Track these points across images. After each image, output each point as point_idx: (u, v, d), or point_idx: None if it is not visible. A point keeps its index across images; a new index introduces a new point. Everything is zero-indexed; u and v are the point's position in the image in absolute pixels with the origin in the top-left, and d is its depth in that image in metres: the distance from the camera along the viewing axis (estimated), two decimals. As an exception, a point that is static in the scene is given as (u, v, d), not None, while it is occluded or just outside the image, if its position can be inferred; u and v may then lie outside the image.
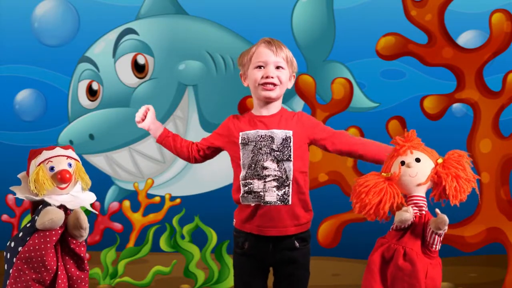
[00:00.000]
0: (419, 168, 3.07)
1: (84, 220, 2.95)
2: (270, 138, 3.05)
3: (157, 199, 5.00)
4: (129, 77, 5.63)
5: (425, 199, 3.07)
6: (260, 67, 3.08)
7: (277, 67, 3.09)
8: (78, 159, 3.06)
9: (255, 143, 3.05)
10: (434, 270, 3.03)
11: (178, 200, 4.98)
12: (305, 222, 3.12)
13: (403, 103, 5.50)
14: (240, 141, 3.07)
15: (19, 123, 5.83)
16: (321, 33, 5.59)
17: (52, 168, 2.98)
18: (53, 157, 3.01)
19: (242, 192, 3.06)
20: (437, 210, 2.98)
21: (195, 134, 5.63)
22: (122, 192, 5.70)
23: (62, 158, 3.01)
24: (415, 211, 3.03)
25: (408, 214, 2.98)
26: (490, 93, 4.41)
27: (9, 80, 5.83)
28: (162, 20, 5.74)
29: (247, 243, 3.08)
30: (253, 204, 3.05)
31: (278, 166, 3.04)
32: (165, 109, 5.62)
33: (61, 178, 2.96)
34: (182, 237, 4.80)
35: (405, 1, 4.43)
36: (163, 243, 4.80)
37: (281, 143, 3.05)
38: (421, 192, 3.07)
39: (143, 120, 3.25)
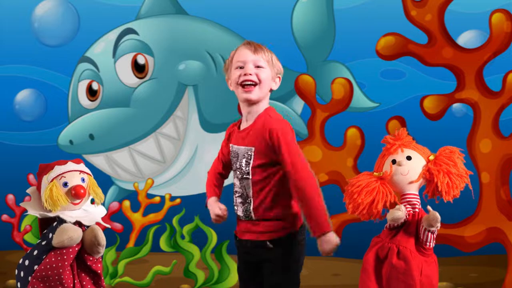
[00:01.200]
0: (410, 166, 3.07)
1: (102, 237, 2.92)
2: (236, 155, 3.05)
3: (157, 199, 5.00)
4: (129, 77, 5.63)
5: (418, 197, 3.07)
6: (240, 67, 3.05)
7: (257, 66, 3.03)
8: (90, 173, 3.04)
9: (232, 159, 3.09)
10: (429, 268, 3.03)
11: (178, 200, 4.98)
12: (278, 229, 3.02)
13: (403, 103, 5.50)
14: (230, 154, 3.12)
15: (19, 123, 5.83)
16: (321, 33, 5.59)
17: (65, 184, 2.95)
18: (66, 172, 2.97)
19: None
20: (429, 207, 2.99)
21: (195, 134, 5.64)
22: (122, 192, 5.70)
23: (75, 173, 2.98)
24: (408, 209, 3.03)
25: (400, 212, 2.98)
26: (490, 93, 4.41)
27: (9, 80, 5.83)
28: (162, 20, 5.74)
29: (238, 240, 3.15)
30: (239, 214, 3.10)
31: (240, 183, 3.04)
32: (165, 109, 5.62)
33: (75, 194, 2.93)
34: (182, 237, 4.80)
35: (405, 1, 4.43)
36: (163, 243, 4.80)
37: (245, 161, 3.02)
38: (413, 190, 3.07)
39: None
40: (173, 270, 4.81)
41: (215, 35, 5.69)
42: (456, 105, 5.16)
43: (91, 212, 3.00)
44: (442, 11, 4.41)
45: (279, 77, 3.11)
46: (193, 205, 5.09)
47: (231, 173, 3.13)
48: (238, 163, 3.03)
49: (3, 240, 4.99)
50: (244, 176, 3.02)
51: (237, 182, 3.05)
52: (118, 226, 4.73)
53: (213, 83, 5.65)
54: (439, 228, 3.00)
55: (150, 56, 5.62)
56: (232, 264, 4.73)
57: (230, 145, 3.09)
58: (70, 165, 2.99)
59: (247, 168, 3.01)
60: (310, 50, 5.56)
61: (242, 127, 3.08)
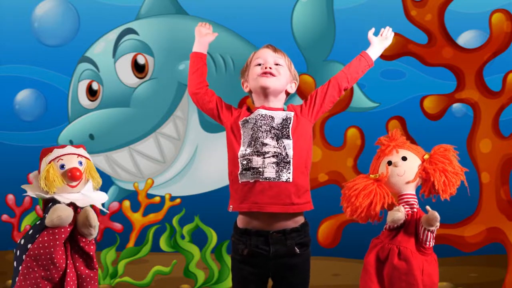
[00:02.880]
0: (406, 166, 3.07)
1: (94, 218, 2.96)
2: (271, 118, 3.07)
3: (157, 199, 5.00)
4: (129, 77, 5.63)
5: (415, 197, 3.08)
6: (259, 64, 3.13)
7: (276, 64, 3.12)
8: (90, 157, 3.07)
9: (255, 121, 3.07)
10: (430, 267, 3.03)
11: (178, 200, 4.98)
12: (304, 202, 3.06)
13: (403, 103, 5.49)
14: (240, 121, 3.10)
15: (19, 123, 5.83)
16: (321, 33, 5.59)
17: (62, 166, 3.00)
18: (64, 155, 3.03)
19: (240, 169, 3.04)
20: (428, 207, 2.99)
21: (195, 134, 5.63)
22: (122, 192, 5.70)
23: (73, 156, 3.03)
24: (407, 209, 3.03)
25: (400, 213, 2.98)
26: (490, 93, 4.41)
27: (9, 80, 5.83)
28: (162, 20, 5.74)
29: (247, 250, 3.06)
30: (252, 181, 3.02)
31: (277, 143, 3.04)
32: (165, 109, 5.62)
33: (71, 176, 2.97)
34: (182, 237, 4.80)
35: (405, 1, 4.44)
36: (163, 243, 4.80)
37: (281, 123, 3.07)
38: (410, 190, 3.07)
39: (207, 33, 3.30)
40: (173, 270, 4.81)
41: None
42: (456, 105, 5.16)
43: (89, 196, 3.03)
44: (442, 11, 4.41)
45: (295, 83, 3.18)
46: (193, 205, 5.10)
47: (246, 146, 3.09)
48: (274, 123, 3.06)
49: (3, 240, 4.99)
50: (284, 136, 3.05)
51: (271, 142, 3.03)
52: (118, 226, 4.73)
53: (213, 83, 5.63)
54: (438, 227, 3.00)
55: (150, 56, 5.62)
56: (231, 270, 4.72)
57: (244, 117, 3.10)
58: (69, 149, 3.06)
59: (287, 130, 3.06)
60: (310, 50, 5.56)
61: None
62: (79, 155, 3.05)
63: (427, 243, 3.02)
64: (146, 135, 5.64)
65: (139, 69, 5.63)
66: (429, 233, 3.00)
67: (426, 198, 3.10)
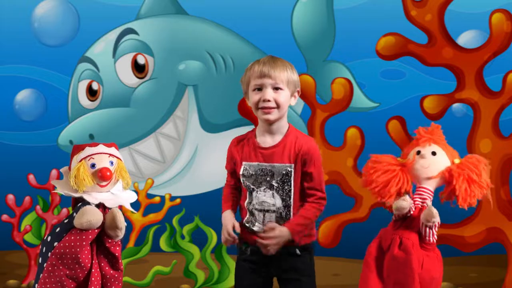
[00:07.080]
0: (432, 161, 3.07)
1: (121, 220, 2.93)
2: (270, 173, 3.01)
3: (157, 199, 5.00)
4: (129, 77, 5.63)
5: (431, 193, 3.07)
6: (258, 89, 3.02)
7: (275, 88, 3.01)
8: (121, 157, 3.06)
9: (256, 177, 3.02)
10: (430, 262, 3.03)
11: (178, 200, 4.98)
12: (304, 240, 3.08)
13: (403, 103, 5.50)
14: (241, 172, 3.04)
15: (19, 123, 5.84)
16: (321, 33, 5.60)
17: (93, 165, 2.97)
18: (95, 154, 3.00)
19: (245, 214, 3.07)
20: (428, 202, 3.00)
21: (195, 134, 5.64)
22: (122, 192, 5.70)
23: (104, 156, 3.00)
24: (417, 202, 3.03)
25: (404, 202, 2.98)
26: (490, 93, 4.41)
27: (9, 80, 5.83)
28: (162, 20, 5.74)
29: (249, 249, 3.07)
30: (255, 229, 3.04)
31: (277, 201, 3.01)
32: (165, 109, 5.62)
33: (101, 176, 2.95)
34: (182, 237, 4.80)
35: (405, 1, 4.43)
36: (163, 243, 4.80)
37: (281, 179, 3.01)
38: (430, 185, 3.07)
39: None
40: (173, 270, 4.81)
41: (215, 35, 5.69)
42: (456, 105, 5.16)
43: (119, 196, 3.02)
44: (442, 11, 4.41)
45: (298, 91, 3.09)
46: (193, 205, 5.10)
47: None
48: (274, 181, 3.00)
49: (3, 240, 4.99)
50: (285, 193, 3.01)
51: (270, 201, 3.01)
52: (118, 226, 4.72)
53: (213, 83, 5.65)
54: (436, 223, 3.00)
55: (150, 56, 5.62)
56: (232, 264, 4.72)
57: (247, 163, 3.04)
58: (100, 148, 3.02)
59: (288, 186, 3.01)
60: (310, 50, 5.56)
61: (262, 143, 3.05)
62: (110, 154, 3.02)
63: (427, 238, 3.02)
64: (146, 135, 5.64)
65: (139, 69, 5.63)
66: (428, 228, 3.01)
67: (443, 202, 3.09)
